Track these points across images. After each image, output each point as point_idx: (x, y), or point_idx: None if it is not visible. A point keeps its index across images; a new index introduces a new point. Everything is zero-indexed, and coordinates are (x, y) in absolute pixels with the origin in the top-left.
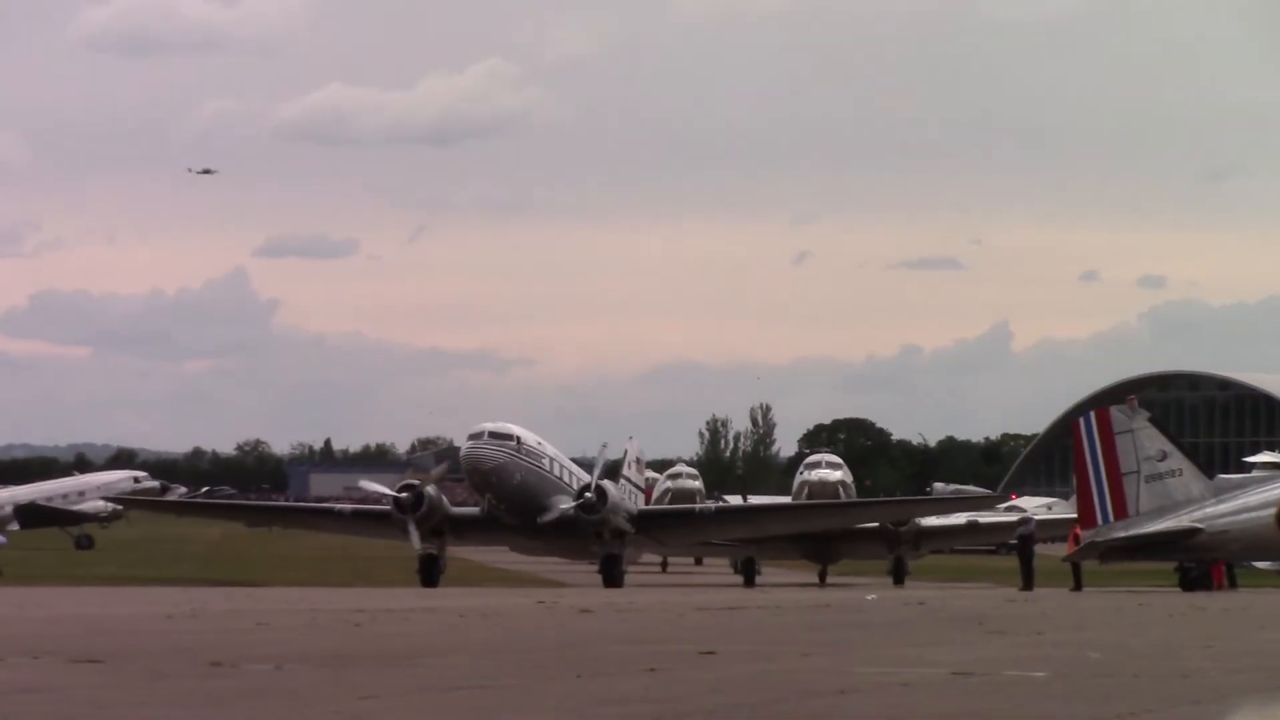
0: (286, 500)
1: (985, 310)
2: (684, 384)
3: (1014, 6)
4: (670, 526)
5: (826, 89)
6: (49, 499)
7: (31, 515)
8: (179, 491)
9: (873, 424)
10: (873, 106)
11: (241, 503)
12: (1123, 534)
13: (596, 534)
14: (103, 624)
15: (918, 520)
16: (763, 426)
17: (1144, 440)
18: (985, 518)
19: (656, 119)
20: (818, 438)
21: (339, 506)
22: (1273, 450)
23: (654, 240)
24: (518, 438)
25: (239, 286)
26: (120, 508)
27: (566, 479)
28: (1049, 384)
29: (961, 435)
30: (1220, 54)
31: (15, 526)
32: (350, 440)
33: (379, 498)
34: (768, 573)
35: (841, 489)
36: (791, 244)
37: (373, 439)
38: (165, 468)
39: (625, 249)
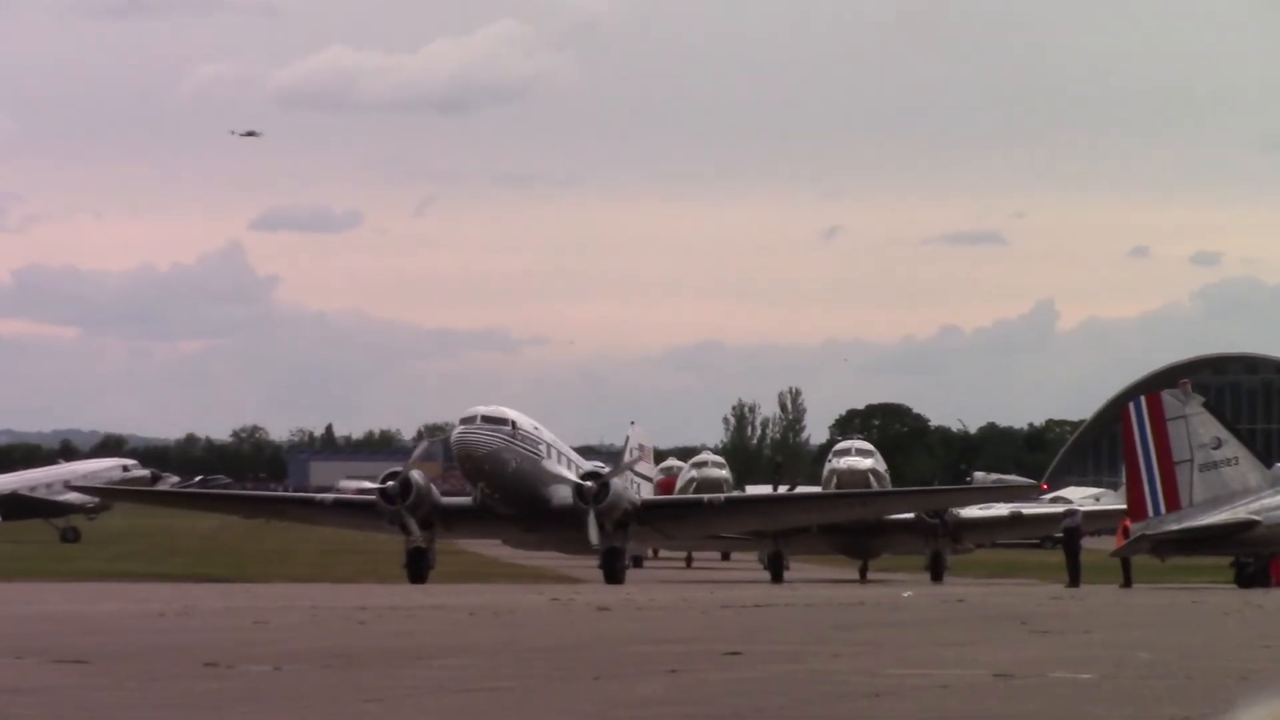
0: (286, 491)
1: (1028, 288)
2: (707, 367)
3: None
4: (677, 518)
5: (858, 53)
6: (32, 489)
7: (13, 506)
8: (171, 481)
9: (909, 409)
10: (908, 71)
11: (208, 492)
12: (1175, 527)
13: (598, 526)
14: (90, 622)
15: (956, 511)
16: (792, 412)
17: (1198, 427)
18: (1029, 509)
19: (678, 85)
20: (850, 424)
21: (319, 496)
22: None
23: (675, 214)
24: (513, 422)
25: (235, 262)
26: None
27: (565, 467)
28: (1096, 367)
29: (1003, 421)
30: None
31: None
32: (353, 426)
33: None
34: (802, 569)
35: (873, 477)
36: (821, 218)
37: (377, 425)
38: (156, 455)
39: (644, 223)
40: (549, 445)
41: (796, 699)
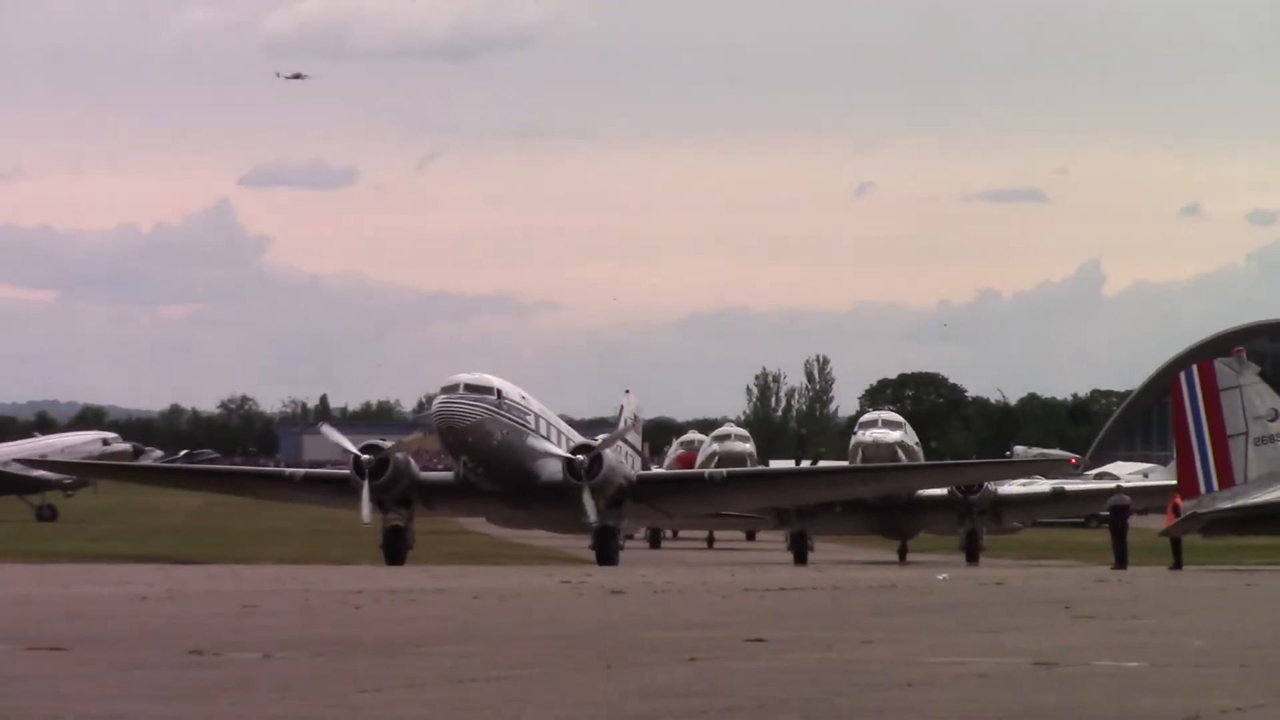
0: (277, 465)
1: (1073, 249)
2: (729, 333)
3: None
4: (675, 494)
5: None
6: (6, 464)
7: None
8: (154, 455)
9: (945, 379)
10: (945, 19)
11: (173, 467)
12: (1229, 504)
13: (591, 503)
14: (67, 606)
15: (992, 488)
16: (819, 382)
17: (1253, 397)
18: (1073, 485)
19: (698, 33)
20: (881, 395)
21: (289, 471)
22: None
23: (695, 169)
24: (498, 390)
25: (223, 221)
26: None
27: (555, 439)
28: (1145, 334)
29: (1045, 392)
30: None
31: None
32: (349, 397)
33: (341, 452)
34: (833, 549)
35: (901, 451)
36: (852, 174)
37: (374, 396)
38: (139, 428)
39: (663, 179)
40: (537, 415)
41: (825, 689)
